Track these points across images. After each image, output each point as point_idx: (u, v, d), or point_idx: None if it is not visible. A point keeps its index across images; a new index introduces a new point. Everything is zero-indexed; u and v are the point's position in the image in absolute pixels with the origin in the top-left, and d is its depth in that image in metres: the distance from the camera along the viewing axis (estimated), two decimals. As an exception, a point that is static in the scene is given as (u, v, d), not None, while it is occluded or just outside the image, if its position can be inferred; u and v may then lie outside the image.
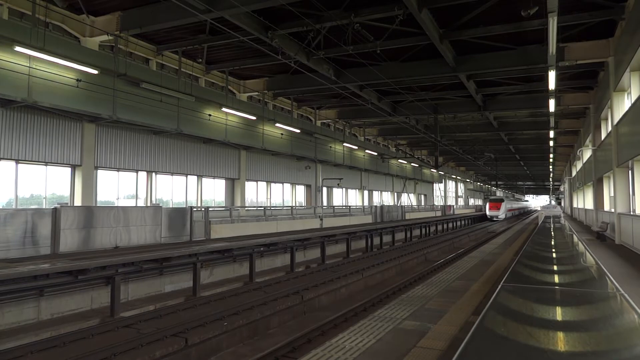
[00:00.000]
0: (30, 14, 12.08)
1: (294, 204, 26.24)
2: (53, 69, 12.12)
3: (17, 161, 12.98)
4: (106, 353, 6.84)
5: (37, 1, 11.97)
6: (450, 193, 62.57)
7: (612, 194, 16.24)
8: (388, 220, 29.59)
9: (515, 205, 68.74)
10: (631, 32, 11.26)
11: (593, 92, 20.57)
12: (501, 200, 52.04)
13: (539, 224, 20.48)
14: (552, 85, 13.25)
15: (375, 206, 30.06)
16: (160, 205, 15.08)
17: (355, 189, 34.08)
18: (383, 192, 39.95)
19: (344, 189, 32.69)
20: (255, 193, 23.77)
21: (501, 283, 3.95)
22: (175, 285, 11.92)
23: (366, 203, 34.84)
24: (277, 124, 20.80)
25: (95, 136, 14.79)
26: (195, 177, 19.60)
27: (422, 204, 48.67)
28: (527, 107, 22.92)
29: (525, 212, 73.21)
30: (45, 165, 13.73)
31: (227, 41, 14.80)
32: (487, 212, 52.13)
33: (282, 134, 22.18)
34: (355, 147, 29.26)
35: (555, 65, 11.66)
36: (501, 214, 50.78)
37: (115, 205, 15.92)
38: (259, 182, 23.81)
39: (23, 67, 11.51)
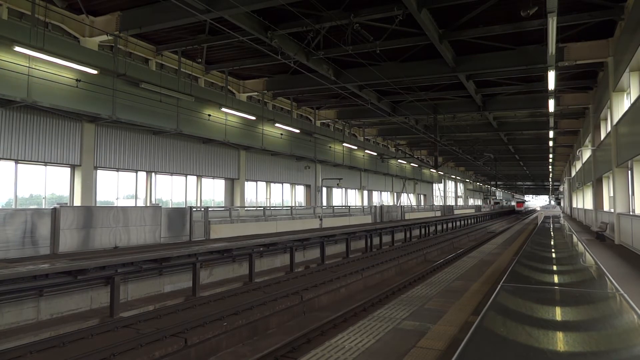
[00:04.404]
0: (30, 14, 12.07)
1: (293, 204, 26.24)
2: (52, 69, 12.12)
3: (17, 161, 12.98)
4: (105, 353, 6.84)
5: (36, 1, 11.96)
6: (449, 193, 62.61)
7: (611, 194, 16.25)
8: (387, 221, 29.58)
9: (528, 204, 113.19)
10: (630, 32, 11.27)
11: (592, 92, 20.58)
12: (523, 202, 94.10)
13: (539, 224, 20.49)
14: (551, 85, 13.26)
15: (375, 206, 30.05)
16: (160, 205, 15.07)
17: (355, 189, 34.09)
18: (382, 192, 39.96)
19: (343, 189, 32.70)
20: (255, 193, 23.77)
21: (501, 283, 3.95)
22: (174, 286, 11.91)
23: (366, 203, 34.85)
24: (277, 124, 20.81)
25: (94, 136, 14.79)
26: (195, 177, 19.60)
27: (422, 204, 48.70)
28: (526, 107, 22.94)
29: (531, 209, 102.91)
30: (45, 165, 13.72)
31: (227, 41, 14.80)
32: (516, 208, 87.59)
33: (281, 134, 22.18)
34: (355, 147, 29.27)
35: (554, 66, 11.66)
36: (523, 209, 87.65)
37: (115, 205, 15.91)
38: (258, 182, 23.81)
39: (22, 67, 11.51)
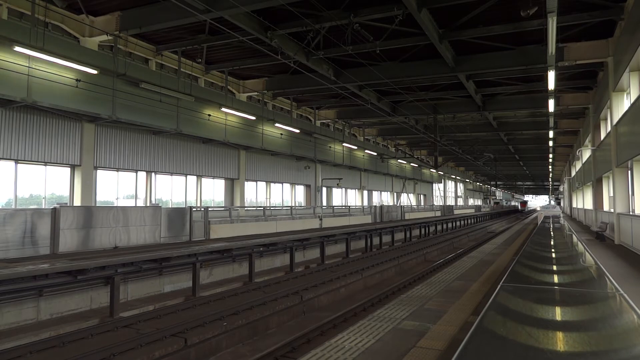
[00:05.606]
0: (30, 14, 12.07)
1: (293, 204, 26.24)
2: (52, 69, 12.12)
3: (17, 161, 12.98)
4: (105, 353, 6.84)
5: (36, 1, 11.96)
6: (449, 193, 62.62)
7: (611, 194, 16.25)
8: (387, 220, 29.58)
9: (529, 204, 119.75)
10: (630, 32, 11.27)
11: (592, 92, 20.59)
12: (526, 202, 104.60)
13: (538, 224, 20.49)
14: (551, 85, 13.26)
15: (375, 206, 30.06)
16: (160, 205, 15.07)
17: (355, 189, 34.09)
18: (382, 192, 39.96)
19: (343, 189, 32.70)
20: (255, 193, 23.77)
21: (500, 283, 3.96)
22: (174, 285, 11.91)
23: (365, 203, 34.85)
24: (277, 124, 20.80)
25: (94, 136, 14.78)
26: (195, 177, 19.60)
27: (422, 204, 48.70)
28: (526, 107, 22.94)
29: (531, 209, 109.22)
30: (45, 165, 13.72)
31: (227, 41, 14.80)
32: (519, 208, 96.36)
33: (281, 134, 22.18)
34: (355, 147, 29.27)
35: (554, 65, 11.66)
36: (526, 209, 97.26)
37: (115, 205, 15.91)
38: (258, 182, 23.81)
39: (22, 67, 11.50)
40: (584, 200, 27.73)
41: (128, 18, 13.41)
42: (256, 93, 21.34)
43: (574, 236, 11.88)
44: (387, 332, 5.45)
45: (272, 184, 24.87)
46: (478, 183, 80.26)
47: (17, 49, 10.51)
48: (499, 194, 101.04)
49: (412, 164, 40.60)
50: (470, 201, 77.66)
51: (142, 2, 12.95)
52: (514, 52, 15.53)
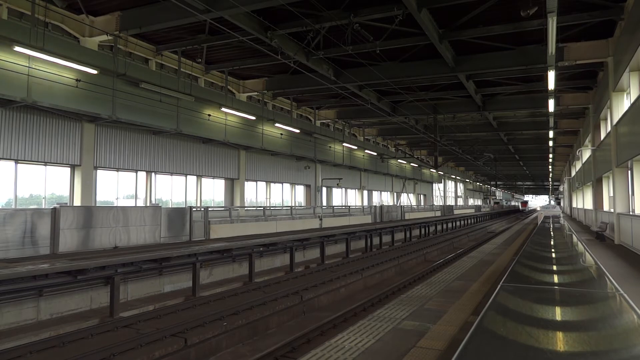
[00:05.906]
0: (30, 14, 12.07)
1: (293, 204, 26.24)
2: (52, 69, 12.12)
3: (17, 161, 12.98)
4: (105, 353, 6.84)
5: (36, 1, 11.95)
6: (449, 193, 62.63)
7: (611, 194, 16.25)
8: (387, 220, 29.58)
9: (530, 204, 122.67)
10: (630, 32, 11.27)
11: (592, 92, 20.59)
12: (526, 202, 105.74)
13: (538, 224, 20.49)
14: (551, 85, 13.26)
15: (375, 206, 30.05)
16: (160, 205, 15.07)
17: (355, 189, 34.09)
18: (382, 192, 39.96)
19: (343, 189, 32.70)
20: (255, 193, 23.77)
21: (500, 283, 3.96)
22: (174, 285, 11.91)
23: (365, 203, 34.85)
24: (277, 124, 20.81)
25: (94, 136, 14.78)
26: (195, 177, 19.60)
27: (422, 204, 48.71)
28: (526, 107, 22.95)
29: (531, 209, 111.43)
30: (45, 165, 13.72)
31: (227, 41, 14.80)
32: (520, 207, 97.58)
33: (281, 134, 22.18)
34: (355, 147, 29.27)
35: (554, 65, 11.66)
36: (527, 209, 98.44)
37: (115, 205, 15.91)
38: (258, 182, 23.81)
39: (22, 67, 11.50)
40: (584, 200, 27.73)
41: (128, 18, 13.41)
42: (256, 93, 21.34)
43: (573, 236, 11.89)
44: (387, 332, 5.45)
45: (272, 184, 24.87)
46: (478, 183, 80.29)
47: (17, 49, 10.51)
48: (499, 194, 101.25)
49: (412, 164, 40.60)
50: (470, 201, 77.67)
51: (142, 2, 12.95)
52: (514, 52, 15.53)
